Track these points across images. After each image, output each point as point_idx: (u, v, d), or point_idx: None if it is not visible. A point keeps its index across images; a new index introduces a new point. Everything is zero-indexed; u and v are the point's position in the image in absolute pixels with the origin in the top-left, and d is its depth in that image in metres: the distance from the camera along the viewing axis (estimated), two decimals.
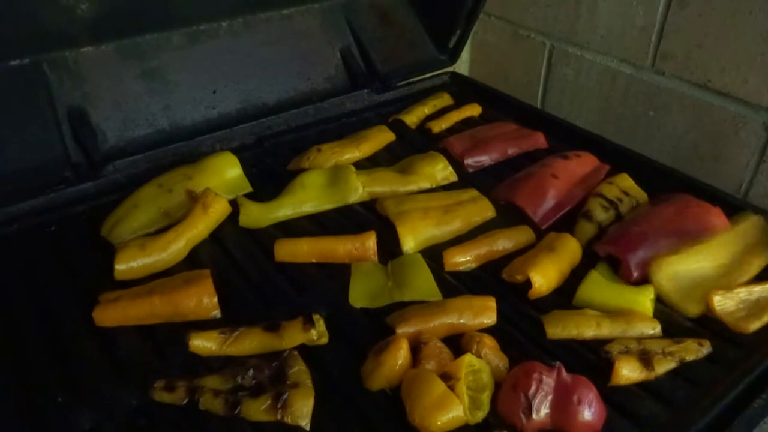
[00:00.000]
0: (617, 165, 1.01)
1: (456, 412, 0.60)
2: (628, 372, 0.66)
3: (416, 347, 0.68)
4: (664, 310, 0.76)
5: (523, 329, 0.74)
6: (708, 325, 0.75)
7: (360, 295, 0.78)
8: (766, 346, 0.72)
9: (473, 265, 0.83)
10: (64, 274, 0.80)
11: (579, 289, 0.78)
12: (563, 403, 0.61)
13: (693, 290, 0.76)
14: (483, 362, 0.66)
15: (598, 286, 0.77)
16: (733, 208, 0.92)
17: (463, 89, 1.30)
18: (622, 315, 0.73)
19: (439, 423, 0.59)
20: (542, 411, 0.61)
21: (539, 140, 1.10)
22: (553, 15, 1.29)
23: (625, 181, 0.95)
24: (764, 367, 0.69)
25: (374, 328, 0.73)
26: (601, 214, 0.89)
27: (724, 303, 0.74)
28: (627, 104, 1.21)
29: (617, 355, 0.67)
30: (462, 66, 1.50)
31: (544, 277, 0.77)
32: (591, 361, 0.69)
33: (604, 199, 0.91)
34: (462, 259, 0.83)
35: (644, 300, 0.74)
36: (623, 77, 1.20)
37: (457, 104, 1.23)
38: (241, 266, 0.83)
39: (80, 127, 0.95)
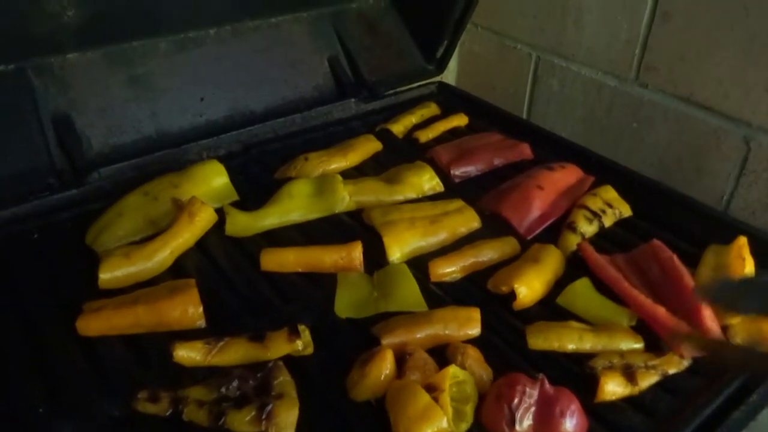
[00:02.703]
0: (601, 176, 1.02)
1: (440, 423, 0.60)
2: (613, 387, 0.67)
3: (401, 358, 0.68)
4: (644, 322, 0.77)
5: (507, 340, 0.74)
6: None
7: (346, 305, 0.78)
8: None
9: (459, 276, 0.84)
10: (48, 282, 0.79)
11: (564, 291, 0.79)
12: (546, 415, 0.61)
13: None
14: (467, 374, 0.66)
15: (582, 294, 0.79)
16: (714, 220, 0.94)
17: (450, 99, 1.31)
18: (604, 329, 0.74)
19: None
20: (525, 422, 0.61)
21: (525, 151, 1.11)
22: (539, 27, 1.30)
23: (609, 192, 0.97)
24: (744, 379, 0.70)
25: (360, 338, 0.73)
26: (584, 225, 0.90)
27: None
28: (611, 116, 1.22)
29: (602, 371, 0.67)
30: (449, 76, 1.51)
31: (528, 288, 0.77)
32: (574, 372, 0.70)
33: (588, 210, 0.92)
34: (447, 270, 0.83)
35: (623, 316, 0.75)
36: (608, 89, 1.21)
37: (444, 114, 1.24)
38: (227, 276, 0.82)
39: (65, 133, 0.95)
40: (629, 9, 1.13)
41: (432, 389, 0.63)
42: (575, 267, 0.85)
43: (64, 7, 0.89)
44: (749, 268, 0.79)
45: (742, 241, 0.82)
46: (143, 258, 0.80)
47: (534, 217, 0.93)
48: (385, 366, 0.65)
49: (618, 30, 1.16)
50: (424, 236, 0.88)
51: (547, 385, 0.62)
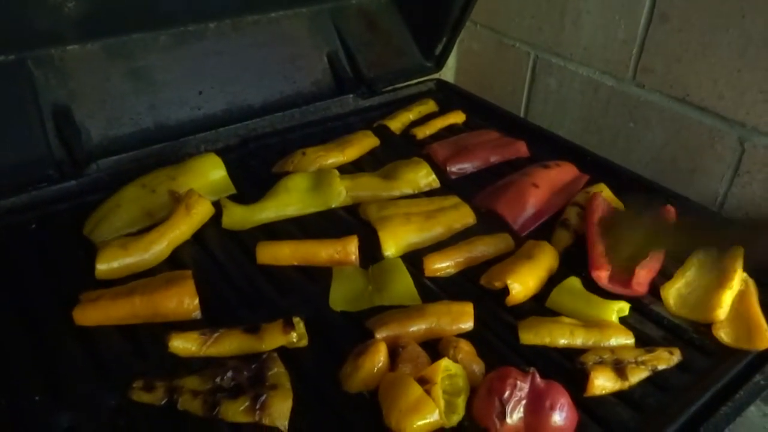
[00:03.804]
0: (596, 175, 1.03)
1: (432, 416, 0.61)
2: (603, 382, 0.67)
3: (394, 351, 0.69)
4: (635, 318, 0.78)
5: (499, 335, 0.75)
6: (678, 333, 0.77)
7: (340, 298, 0.79)
8: (733, 354, 0.74)
9: (453, 271, 0.84)
10: (45, 272, 0.80)
11: (553, 293, 0.80)
12: (536, 408, 0.62)
13: (701, 301, 0.78)
14: (459, 367, 0.67)
15: (570, 293, 0.79)
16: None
17: (448, 96, 1.32)
18: (596, 325, 0.74)
19: (415, 426, 0.60)
20: (516, 416, 0.62)
21: (521, 149, 1.12)
22: (537, 26, 1.31)
23: (603, 191, 0.97)
24: (731, 375, 0.71)
25: (354, 331, 0.74)
26: (578, 222, 0.91)
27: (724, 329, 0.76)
28: (608, 115, 1.23)
29: (592, 366, 0.68)
30: (447, 73, 1.52)
31: (521, 284, 0.78)
32: (565, 367, 0.71)
33: (581, 208, 0.93)
34: (442, 265, 0.84)
35: (610, 312, 0.76)
36: (605, 89, 1.22)
37: (442, 111, 1.25)
38: (223, 268, 0.83)
39: (64, 125, 0.95)
40: (627, 10, 1.13)
41: (424, 382, 0.63)
42: (568, 264, 0.85)
43: None
44: (738, 277, 0.80)
45: (740, 251, 0.82)
46: (140, 249, 0.80)
47: (528, 214, 0.94)
48: (378, 358, 0.66)
49: (616, 30, 1.16)
50: (419, 231, 0.88)
51: (538, 379, 0.63)
